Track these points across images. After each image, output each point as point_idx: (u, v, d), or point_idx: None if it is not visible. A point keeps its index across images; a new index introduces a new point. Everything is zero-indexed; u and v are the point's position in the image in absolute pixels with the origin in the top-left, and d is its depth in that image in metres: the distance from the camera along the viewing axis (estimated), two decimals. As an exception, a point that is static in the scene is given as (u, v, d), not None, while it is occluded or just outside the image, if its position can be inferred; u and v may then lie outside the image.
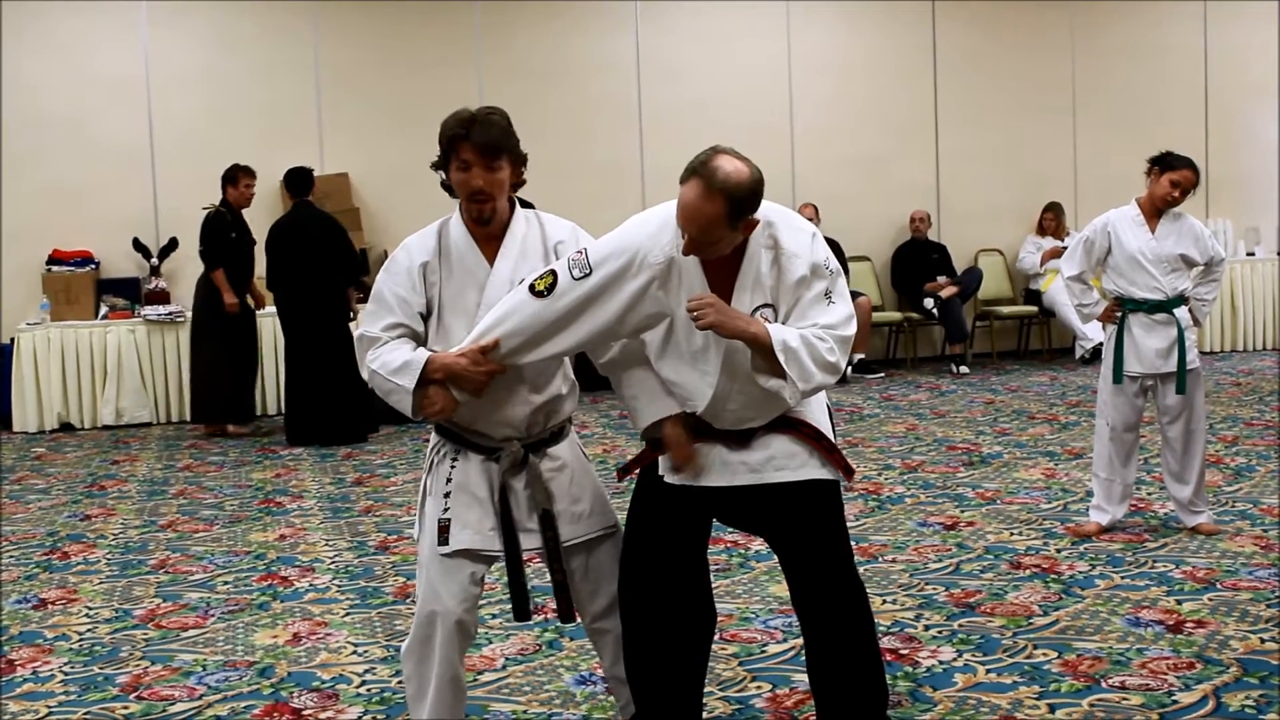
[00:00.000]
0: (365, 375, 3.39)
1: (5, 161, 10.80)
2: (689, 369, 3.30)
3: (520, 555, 3.44)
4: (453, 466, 3.45)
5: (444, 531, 3.40)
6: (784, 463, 3.33)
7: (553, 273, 3.26)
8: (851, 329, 3.25)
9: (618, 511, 3.62)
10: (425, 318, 3.40)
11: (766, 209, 3.25)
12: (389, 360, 3.33)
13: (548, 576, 3.56)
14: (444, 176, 3.42)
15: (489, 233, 3.41)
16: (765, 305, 3.23)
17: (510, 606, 3.55)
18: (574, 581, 3.54)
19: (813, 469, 3.34)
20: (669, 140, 11.65)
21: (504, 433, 3.42)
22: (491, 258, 3.40)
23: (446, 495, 3.42)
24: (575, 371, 3.59)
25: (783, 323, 3.21)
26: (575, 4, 12.08)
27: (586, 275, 3.22)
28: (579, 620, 3.63)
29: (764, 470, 3.33)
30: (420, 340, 3.40)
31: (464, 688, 3.52)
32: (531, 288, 3.25)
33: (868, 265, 12.71)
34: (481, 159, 3.29)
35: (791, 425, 3.34)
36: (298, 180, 9.73)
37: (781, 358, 3.13)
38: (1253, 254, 13.29)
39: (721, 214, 3.09)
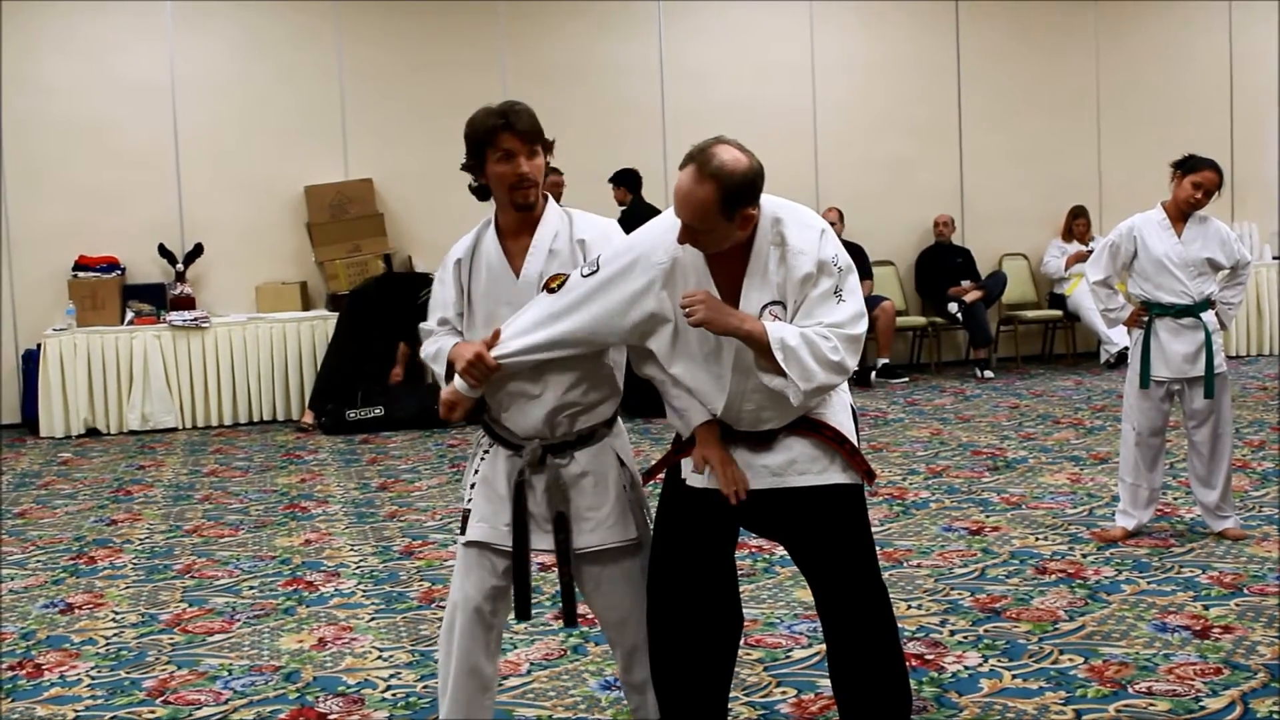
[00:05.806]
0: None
1: (31, 167, 10.85)
2: (701, 370, 3.28)
3: (527, 554, 3.46)
4: (482, 459, 3.51)
5: (464, 520, 3.51)
6: (806, 466, 3.30)
7: (569, 275, 3.33)
8: (861, 327, 3.18)
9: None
10: (462, 315, 3.51)
11: (776, 205, 3.23)
12: (429, 350, 3.55)
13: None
14: (474, 179, 3.44)
15: (521, 230, 3.43)
16: (775, 303, 3.19)
17: (540, 612, 3.55)
18: (587, 592, 3.54)
19: (834, 474, 3.31)
20: (692, 143, 11.57)
21: (525, 430, 3.44)
22: (521, 256, 3.42)
23: (472, 486, 3.52)
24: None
25: (791, 321, 3.18)
26: (599, 6, 12.07)
27: (594, 273, 3.28)
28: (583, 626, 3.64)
29: (785, 474, 3.30)
30: (460, 335, 3.52)
31: (488, 683, 3.51)
32: (547, 287, 3.34)
33: (891, 269, 12.66)
34: (524, 146, 3.34)
35: (813, 427, 3.31)
36: (628, 179, 10.94)
37: (780, 356, 3.09)
38: (1278, 257, 13.21)
39: (712, 200, 3.08)
